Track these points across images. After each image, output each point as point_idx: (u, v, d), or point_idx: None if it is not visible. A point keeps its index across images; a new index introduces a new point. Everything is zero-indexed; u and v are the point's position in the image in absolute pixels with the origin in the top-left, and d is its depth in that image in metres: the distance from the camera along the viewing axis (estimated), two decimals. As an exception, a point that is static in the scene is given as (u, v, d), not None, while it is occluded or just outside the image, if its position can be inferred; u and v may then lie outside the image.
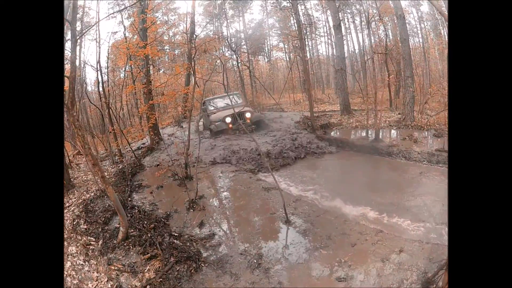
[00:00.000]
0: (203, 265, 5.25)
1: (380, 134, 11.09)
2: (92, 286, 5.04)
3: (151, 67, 15.66)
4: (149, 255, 5.59)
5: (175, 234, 6.27)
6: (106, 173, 10.65)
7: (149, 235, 6.16)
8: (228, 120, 13.84)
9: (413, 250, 4.91)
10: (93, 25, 14.28)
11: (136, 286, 4.92)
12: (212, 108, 15.16)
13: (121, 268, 5.35)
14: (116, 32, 16.84)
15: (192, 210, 7.27)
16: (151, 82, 14.46)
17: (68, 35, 12.07)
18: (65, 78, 5.21)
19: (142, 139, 15.38)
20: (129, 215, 6.99)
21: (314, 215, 6.47)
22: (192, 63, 12.09)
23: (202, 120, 15.74)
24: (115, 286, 4.97)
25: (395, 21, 17.27)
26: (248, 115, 14.29)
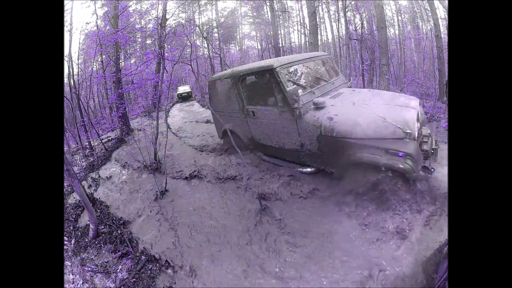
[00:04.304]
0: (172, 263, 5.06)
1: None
2: None
3: (121, 55, 15.32)
4: (120, 253, 5.42)
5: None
6: (76, 167, 10.54)
7: (118, 231, 6.02)
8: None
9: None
10: (67, 10, 13.85)
11: (110, 287, 4.76)
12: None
13: (95, 269, 5.17)
14: (89, 22, 16.46)
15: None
16: (120, 70, 14.15)
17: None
18: None
19: (112, 130, 14.98)
20: (98, 210, 6.85)
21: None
22: (162, 50, 11.93)
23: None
24: None
25: (372, 11, 17.43)
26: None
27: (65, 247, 5.93)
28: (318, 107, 5.87)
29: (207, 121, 14.35)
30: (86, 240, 6.02)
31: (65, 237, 6.25)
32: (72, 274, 5.17)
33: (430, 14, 19.37)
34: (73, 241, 6.08)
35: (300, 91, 6.08)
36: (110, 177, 9.19)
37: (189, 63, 17.48)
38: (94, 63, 16.23)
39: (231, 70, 8.02)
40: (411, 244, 4.35)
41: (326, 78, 7.13)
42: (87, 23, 16.41)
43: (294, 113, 5.94)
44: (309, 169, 6.34)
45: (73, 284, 4.95)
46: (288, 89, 5.87)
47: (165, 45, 13.44)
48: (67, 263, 5.45)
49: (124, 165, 9.92)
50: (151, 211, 6.77)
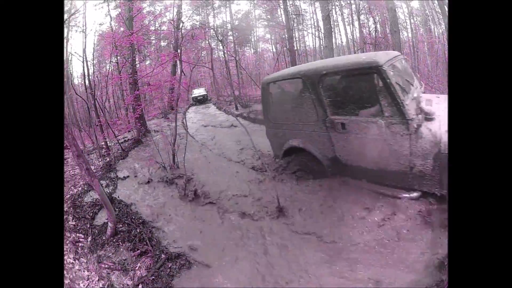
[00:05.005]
0: (193, 262, 5.09)
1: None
2: (84, 285, 4.88)
3: (137, 57, 15.36)
4: (139, 251, 5.45)
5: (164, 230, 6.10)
6: (93, 167, 10.48)
7: (138, 230, 6.01)
8: None
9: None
10: (78, 9, 13.96)
11: (128, 284, 4.78)
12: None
13: (112, 266, 5.20)
14: (103, 24, 16.60)
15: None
16: (136, 72, 14.21)
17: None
18: None
19: (129, 131, 14.97)
20: (116, 209, 6.83)
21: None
22: (179, 50, 11.85)
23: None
24: (106, 285, 4.83)
25: (385, 15, 17.26)
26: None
27: (80, 244, 5.98)
28: (429, 117, 4.81)
29: (231, 126, 13.53)
30: (104, 238, 6.03)
31: (81, 235, 6.29)
32: (88, 271, 5.21)
33: (441, 17, 19.15)
34: (89, 239, 6.12)
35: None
36: (127, 177, 9.16)
37: (209, 67, 17.43)
38: (109, 64, 16.34)
39: (300, 67, 6.66)
40: None
41: (413, 82, 5.82)
42: (100, 24, 16.52)
43: (409, 126, 4.70)
44: (415, 194, 4.96)
45: (88, 281, 4.98)
46: (410, 95, 4.88)
47: (183, 47, 13.37)
48: (82, 259, 5.51)
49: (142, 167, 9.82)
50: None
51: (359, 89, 5.37)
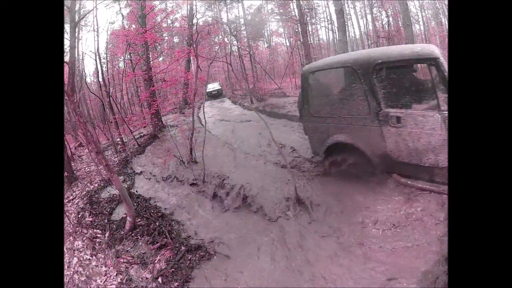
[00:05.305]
0: (213, 253, 5.06)
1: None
2: (101, 281, 4.85)
3: (150, 54, 15.33)
4: (158, 244, 5.41)
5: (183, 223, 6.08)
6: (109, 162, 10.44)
7: (157, 223, 5.97)
8: None
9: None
10: (89, 12, 13.95)
11: (147, 278, 4.74)
12: None
13: (131, 260, 5.17)
14: (114, 22, 16.64)
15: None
16: (151, 68, 14.16)
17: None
18: (65, 64, 5.07)
19: (144, 127, 14.89)
20: (135, 204, 6.77)
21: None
22: (195, 46, 11.70)
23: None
24: (125, 279, 4.78)
25: (397, 8, 17.02)
26: None
27: (98, 240, 5.98)
28: None
29: (249, 120, 12.99)
30: (122, 232, 6.00)
31: (98, 230, 6.30)
32: (105, 266, 5.19)
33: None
34: (107, 234, 6.10)
35: None
36: (143, 172, 9.08)
37: (226, 61, 17.31)
38: (122, 62, 16.39)
39: (348, 55, 6.28)
40: None
41: None
42: (111, 22, 16.59)
43: None
44: None
45: (105, 276, 4.96)
46: None
47: (199, 42, 13.23)
48: (100, 255, 5.51)
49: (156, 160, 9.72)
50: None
51: (415, 81, 5.10)
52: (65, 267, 5.30)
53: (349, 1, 24.03)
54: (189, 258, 4.95)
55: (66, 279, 4.97)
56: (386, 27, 19.52)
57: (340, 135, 5.90)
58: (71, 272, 5.14)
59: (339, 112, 5.87)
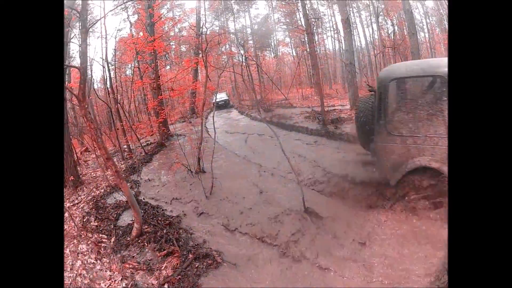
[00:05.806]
0: (221, 261, 5.07)
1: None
2: (105, 285, 4.90)
3: (159, 62, 15.43)
4: (165, 251, 5.43)
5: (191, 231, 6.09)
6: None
7: (164, 231, 5.99)
8: None
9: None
10: (100, 19, 14.06)
11: (153, 284, 4.76)
12: None
13: (136, 266, 5.20)
14: (121, 29, 16.73)
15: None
16: (159, 77, 14.31)
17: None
18: (76, 69, 5.13)
19: (151, 135, 15.00)
20: (142, 211, 6.77)
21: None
22: (204, 56, 11.76)
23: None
24: (130, 284, 4.82)
25: (402, 16, 17.09)
26: None
27: (103, 244, 6.02)
28: None
29: (260, 134, 12.41)
30: (128, 238, 6.04)
31: (103, 235, 6.33)
32: (110, 271, 5.23)
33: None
34: (113, 239, 6.14)
35: None
36: (151, 179, 9.11)
37: (235, 71, 17.35)
38: (130, 70, 16.46)
39: (437, 62, 5.35)
40: None
41: None
42: (118, 30, 16.71)
43: None
44: None
45: (110, 281, 5.00)
46: None
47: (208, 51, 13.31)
48: (104, 260, 5.55)
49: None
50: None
51: None
52: (68, 269, 5.32)
53: (354, 10, 24.16)
54: (196, 265, 4.95)
55: (68, 281, 5.01)
56: (392, 36, 19.58)
57: (423, 157, 5.07)
58: (74, 275, 5.19)
59: (426, 130, 5.05)
